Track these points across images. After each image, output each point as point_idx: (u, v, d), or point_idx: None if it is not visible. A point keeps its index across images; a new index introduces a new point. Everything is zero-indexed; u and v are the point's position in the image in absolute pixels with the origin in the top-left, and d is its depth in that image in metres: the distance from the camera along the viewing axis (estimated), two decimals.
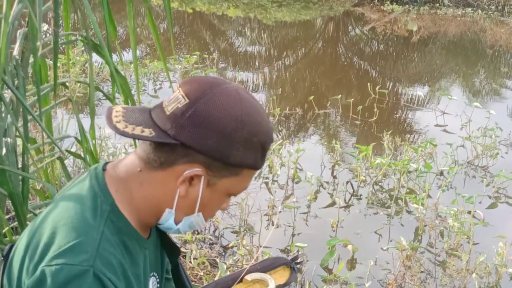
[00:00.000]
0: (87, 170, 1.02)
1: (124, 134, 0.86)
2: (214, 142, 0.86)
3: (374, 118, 5.30)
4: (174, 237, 3.08)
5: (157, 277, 1.04)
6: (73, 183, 0.98)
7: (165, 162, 0.88)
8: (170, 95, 0.91)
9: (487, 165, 4.42)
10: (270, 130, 0.93)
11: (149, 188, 0.91)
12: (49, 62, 3.21)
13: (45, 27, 4.72)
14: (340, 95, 5.53)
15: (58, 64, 5.36)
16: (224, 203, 0.97)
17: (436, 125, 5.34)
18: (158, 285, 1.05)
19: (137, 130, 0.87)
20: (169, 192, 0.90)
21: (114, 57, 5.72)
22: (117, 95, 1.94)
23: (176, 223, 0.94)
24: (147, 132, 0.87)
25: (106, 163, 0.96)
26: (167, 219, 0.94)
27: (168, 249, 1.08)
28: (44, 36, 1.82)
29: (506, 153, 4.75)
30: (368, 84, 6.18)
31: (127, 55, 7.01)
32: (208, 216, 0.97)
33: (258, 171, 0.95)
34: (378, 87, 5.94)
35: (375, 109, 5.44)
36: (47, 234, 0.86)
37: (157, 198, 0.91)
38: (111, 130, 0.88)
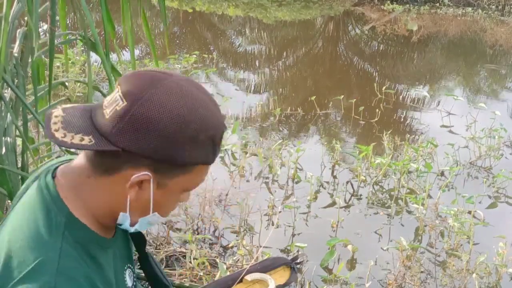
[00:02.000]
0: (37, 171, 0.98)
1: (63, 144, 0.82)
2: (157, 146, 0.81)
3: (376, 119, 5.29)
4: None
5: (132, 268, 1.03)
6: (25, 188, 0.95)
7: (110, 168, 0.85)
8: (111, 94, 0.86)
9: (491, 166, 4.42)
10: (218, 122, 0.88)
11: (100, 194, 0.88)
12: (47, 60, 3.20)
13: (44, 26, 4.71)
14: (342, 96, 5.52)
15: (58, 64, 5.36)
16: (181, 197, 0.94)
17: (442, 126, 5.32)
18: (135, 275, 1.04)
19: (76, 139, 0.82)
20: (120, 197, 0.87)
21: (114, 56, 5.71)
22: None
23: (132, 224, 0.92)
24: (87, 140, 0.82)
25: (56, 168, 0.93)
26: (123, 222, 0.92)
27: (135, 240, 1.06)
28: (43, 35, 1.81)
29: (511, 154, 4.73)
30: (375, 84, 6.18)
31: (127, 54, 7.00)
32: (166, 213, 0.95)
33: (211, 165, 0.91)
34: (384, 87, 5.94)
35: (377, 110, 5.43)
36: (4, 258, 0.83)
37: (109, 203, 0.89)
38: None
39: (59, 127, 0.83)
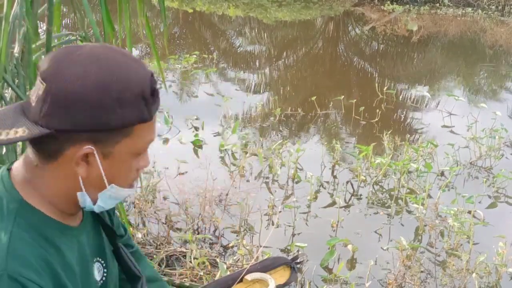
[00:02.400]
0: None
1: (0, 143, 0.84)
2: (85, 116, 0.81)
3: (376, 119, 5.29)
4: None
5: (102, 262, 1.02)
6: None
7: (53, 152, 0.85)
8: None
9: (491, 166, 4.42)
10: (141, 77, 0.86)
11: (51, 180, 0.88)
12: None
13: (44, 26, 4.71)
14: (342, 96, 5.53)
15: None
16: (138, 163, 0.93)
17: (444, 126, 5.33)
18: (105, 270, 1.03)
19: (11, 134, 0.83)
20: (71, 179, 0.88)
21: None
22: None
23: (94, 202, 0.92)
24: (20, 131, 0.83)
25: (12, 163, 0.94)
26: (84, 202, 0.91)
27: (106, 233, 1.06)
28: (43, 35, 1.82)
29: (511, 154, 4.74)
30: (375, 84, 6.18)
31: None
32: (126, 182, 0.93)
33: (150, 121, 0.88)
34: (386, 88, 5.95)
35: (378, 110, 5.43)
36: None
37: (62, 187, 0.89)
38: None
39: None
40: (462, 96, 6.13)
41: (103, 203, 0.93)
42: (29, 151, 0.89)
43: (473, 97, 6.65)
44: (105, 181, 0.89)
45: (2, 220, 0.85)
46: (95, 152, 0.85)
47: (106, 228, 1.06)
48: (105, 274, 1.03)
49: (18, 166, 0.92)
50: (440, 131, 5.21)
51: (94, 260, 1.00)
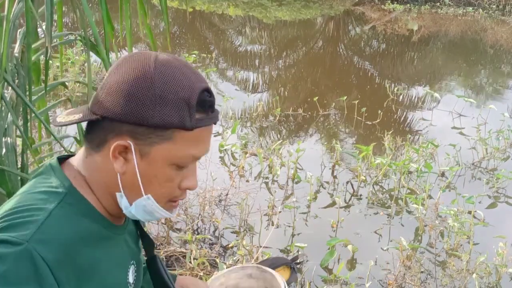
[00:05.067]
0: None
1: (56, 124, 0.89)
2: (127, 106, 0.83)
3: (378, 120, 5.29)
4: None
5: (135, 266, 1.03)
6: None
7: (100, 142, 0.88)
8: None
9: (495, 167, 4.41)
10: (191, 84, 0.86)
11: (96, 173, 0.90)
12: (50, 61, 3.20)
13: (43, 26, 4.71)
14: (345, 97, 5.52)
15: (58, 64, 5.36)
16: (181, 180, 0.91)
17: (452, 128, 5.32)
18: (136, 274, 1.03)
19: (69, 118, 0.89)
20: (111, 173, 0.88)
21: (114, 56, 5.71)
22: None
23: (130, 205, 0.91)
24: (77, 116, 0.88)
25: (64, 157, 0.96)
26: (121, 204, 0.91)
27: (143, 240, 1.06)
28: (42, 35, 1.81)
29: None
30: (375, 85, 6.19)
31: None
32: (162, 197, 0.91)
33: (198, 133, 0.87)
34: (390, 87, 5.94)
35: (379, 111, 5.43)
36: None
37: (105, 182, 0.90)
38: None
39: (63, 115, 0.91)
40: (464, 95, 6.11)
41: (135, 211, 0.91)
42: (84, 142, 0.92)
43: (479, 98, 6.63)
44: (140, 184, 0.88)
45: (48, 201, 0.86)
46: (132, 147, 0.86)
47: (145, 237, 1.06)
48: (135, 278, 1.03)
49: (73, 158, 0.94)
50: (441, 131, 5.21)
51: (131, 263, 1.00)
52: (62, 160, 0.95)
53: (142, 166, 0.87)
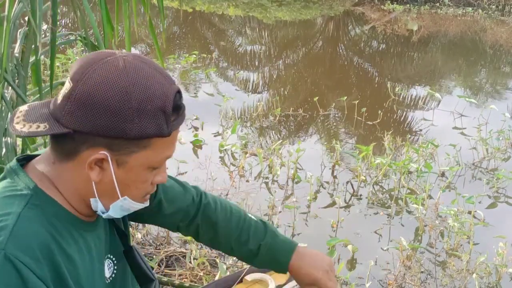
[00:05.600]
0: None
1: (21, 134, 0.85)
2: (104, 121, 0.82)
3: (378, 120, 5.29)
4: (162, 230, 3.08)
5: (113, 259, 1.03)
6: None
7: (70, 152, 0.86)
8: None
9: (496, 167, 4.41)
10: (166, 92, 0.85)
11: (66, 179, 0.89)
12: (48, 61, 3.20)
13: (44, 26, 4.71)
14: (346, 97, 5.52)
15: (58, 64, 5.36)
16: (154, 177, 0.92)
17: (454, 127, 5.31)
18: (115, 267, 1.03)
19: (33, 127, 0.85)
20: (85, 181, 0.88)
21: None
22: None
23: (106, 209, 0.92)
24: (42, 126, 0.85)
25: (22, 156, 0.95)
26: (96, 208, 0.92)
27: (117, 232, 1.06)
28: (43, 35, 1.82)
29: None
30: (375, 85, 6.18)
31: None
32: (138, 196, 0.93)
33: (166, 136, 0.87)
34: (398, 88, 5.94)
35: (379, 111, 5.43)
36: None
37: (77, 188, 0.90)
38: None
39: (20, 120, 0.87)
40: (463, 94, 6.12)
41: (113, 212, 0.93)
42: (50, 147, 0.90)
43: (479, 98, 6.63)
44: (118, 190, 0.89)
45: (14, 204, 0.85)
46: (109, 158, 0.85)
47: (118, 229, 1.06)
48: (114, 272, 1.03)
49: (37, 160, 0.93)
50: (442, 131, 5.21)
51: (106, 257, 1.01)
52: (24, 161, 0.93)
53: (119, 174, 0.88)
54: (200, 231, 1.21)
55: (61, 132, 0.84)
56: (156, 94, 0.84)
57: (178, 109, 0.88)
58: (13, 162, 0.92)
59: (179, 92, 0.88)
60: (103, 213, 0.93)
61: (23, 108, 0.89)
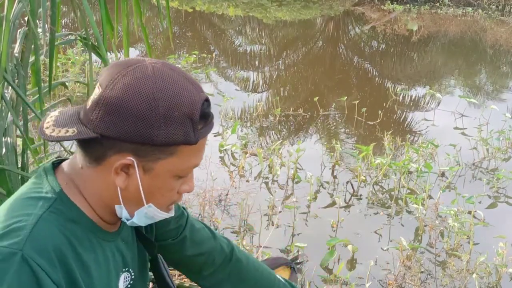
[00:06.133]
0: None
1: (50, 139, 0.86)
2: (131, 127, 0.82)
3: (378, 120, 5.29)
4: None
5: (132, 273, 1.02)
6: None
7: (98, 157, 0.87)
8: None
9: (496, 167, 4.41)
10: (193, 99, 0.85)
11: (92, 185, 0.89)
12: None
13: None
14: (346, 97, 5.52)
15: (58, 64, 5.36)
16: (180, 186, 0.93)
17: (455, 128, 5.30)
18: (132, 282, 1.02)
19: (62, 132, 0.85)
20: (111, 187, 0.88)
21: (114, 56, 5.71)
22: None
23: (131, 216, 0.92)
24: (71, 131, 0.85)
25: (55, 162, 0.95)
26: (121, 214, 0.92)
27: (143, 243, 1.06)
28: (43, 35, 1.81)
29: None
30: (375, 85, 6.18)
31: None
32: (164, 204, 0.93)
33: (194, 143, 0.87)
34: (398, 89, 5.94)
35: (379, 111, 5.43)
36: None
37: (102, 194, 0.90)
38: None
39: (50, 125, 0.87)
40: (463, 94, 6.12)
41: (137, 220, 0.93)
42: (77, 152, 0.91)
43: (479, 98, 6.63)
44: (143, 197, 0.89)
45: (36, 206, 0.86)
46: (135, 164, 0.85)
47: (143, 239, 1.06)
48: (129, 285, 1.02)
49: (66, 164, 0.94)
50: (442, 132, 5.21)
51: (124, 270, 1.00)
52: (57, 164, 0.94)
53: (145, 180, 0.88)
54: (225, 286, 1.17)
55: (89, 137, 0.84)
56: (183, 101, 0.84)
57: (206, 117, 0.87)
58: (48, 164, 0.93)
59: (207, 100, 0.88)
60: (127, 220, 0.93)
61: (54, 113, 0.90)
